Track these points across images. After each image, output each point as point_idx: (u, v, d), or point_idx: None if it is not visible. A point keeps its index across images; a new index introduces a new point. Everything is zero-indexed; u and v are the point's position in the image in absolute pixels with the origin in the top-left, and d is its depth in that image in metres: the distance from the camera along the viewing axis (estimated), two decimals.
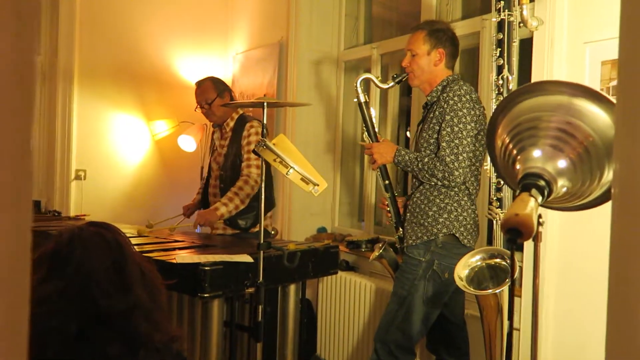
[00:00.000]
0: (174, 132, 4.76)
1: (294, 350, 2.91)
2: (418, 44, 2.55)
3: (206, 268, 2.35)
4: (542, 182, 0.90)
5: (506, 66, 2.02)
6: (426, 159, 2.41)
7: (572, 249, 2.42)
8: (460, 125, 2.35)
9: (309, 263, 2.78)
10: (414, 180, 2.57)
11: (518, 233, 0.82)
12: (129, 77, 4.69)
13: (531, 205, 0.85)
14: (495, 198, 2.08)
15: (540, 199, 0.88)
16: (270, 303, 2.80)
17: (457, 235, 2.41)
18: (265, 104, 2.13)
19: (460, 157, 2.34)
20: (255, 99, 2.21)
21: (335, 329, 3.63)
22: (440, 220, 2.42)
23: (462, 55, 3.43)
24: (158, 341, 1.18)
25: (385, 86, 2.61)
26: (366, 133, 2.61)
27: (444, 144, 2.36)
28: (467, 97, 2.36)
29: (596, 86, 2.27)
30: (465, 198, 2.44)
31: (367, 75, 2.61)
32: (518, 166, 1.02)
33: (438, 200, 2.45)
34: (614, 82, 2.19)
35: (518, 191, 0.95)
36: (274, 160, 2.00)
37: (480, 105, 2.43)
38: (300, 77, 4.20)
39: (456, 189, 2.43)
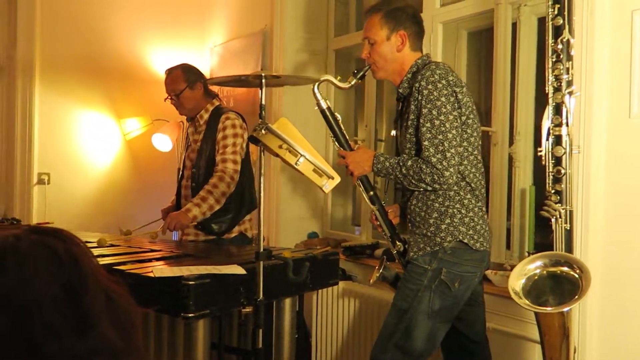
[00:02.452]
0: (147, 130, 4.35)
1: None
2: (375, 29, 2.20)
3: (190, 282, 1.96)
4: None
5: (566, 26, 1.68)
6: (410, 162, 2.07)
7: (617, 249, 2.09)
8: (442, 117, 2.00)
9: (308, 273, 2.41)
10: None
11: None
12: (97, 71, 4.27)
13: None
14: (553, 191, 1.72)
15: None
16: (264, 321, 2.42)
17: (465, 241, 2.08)
18: (263, 78, 1.75)
19: (448, 155, 2.00)
20: (253, 73, 1.83)
21: (331, 347, 3.26)
22: (443, 227, 2.09)
23: (472, 38, 3.10)
24: None
25: (346, 85, 2.22)
26: (336, 143, 2.25)
27: (426, 143, 2.02)
28: (443, 82, 2.03)
29: None
30: (469, 196, 2.10)
31: (326, 77, 2.24)
32: None
33: (437, 205, 2.10)
34: None
35: None
36: (280, 147, 1.63)
37: (462, 86, 2.09)
38: (287, 69, 3.83)
39: (456, 188, 2.09)
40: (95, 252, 2.56)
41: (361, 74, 2.23)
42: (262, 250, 1.85)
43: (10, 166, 4.22)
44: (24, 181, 4.11)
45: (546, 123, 1.74)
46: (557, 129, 1.72)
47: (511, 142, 2.69)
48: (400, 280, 2.23)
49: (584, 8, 2.03)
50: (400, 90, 2.23)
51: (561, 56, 1.70)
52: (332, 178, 1.72)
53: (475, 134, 2.12)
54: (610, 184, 2.10)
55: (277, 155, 1.73)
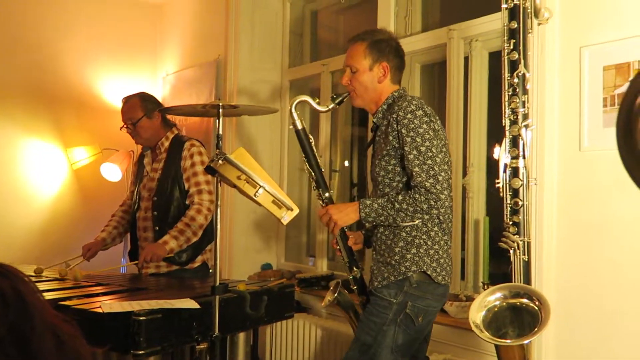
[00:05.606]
0: (95, 160, 4.23)
1: None
2: (358, 58, 2.20)
3: (141, 318, 1.88)
4: None
5: (522, 61, 1.71)
6: (400, 197, 2.04)
7: (569, 280, 2.13)
8: (427, 144, 2.01)
9: (264, 307, 2.35)
10: None
11: None
12: (43, 98, 4.15)
13: None
14: (511, 223, 1.74)
15: None
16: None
17: (428, 272, 2.05)
18: (220, 107, 1.71)
19: (440, 178, 1.99)
20: (210, 103, 1.78)
21: None
22: (409, 256, 2.06)
23: (425, 71, 3.16)
24: None
25: (324, 109, 2.22)
26: (307, 164, 2.24)
27: (416, 169, 2.00)
28: (420, 111, 2.04)
29: (598, 94, 2.02)
30: (436, 228, 2.08)
31: (304, 97, 2.23)
32: None
33: (404, 234, 2.08)
34: (620, 89, 1.93)
35: None
36: (238, 177, 1.59)
37: (437, 118, 2.10)
38: (241, 99, 3.80)
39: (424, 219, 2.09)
40: (41, 286, 2.44)
41: (340, 99, 2.22)
42: (217, 283, 1.79)
43: None
44: None
45: (503, 155, 1.77)
46: (514, 161, 1.75)
47: (464, 174, 2.73)
48: (363, 313, 2.19)
49: (535, 44, 2.09)
50: (375, 120, 2.23)
51: (517, 90, 1.74)
52: (291, 209, 1.69)
53: (446, 167, 2.09)
54: (562, 216, 2.14)
55: (234, 186, 1.69)
